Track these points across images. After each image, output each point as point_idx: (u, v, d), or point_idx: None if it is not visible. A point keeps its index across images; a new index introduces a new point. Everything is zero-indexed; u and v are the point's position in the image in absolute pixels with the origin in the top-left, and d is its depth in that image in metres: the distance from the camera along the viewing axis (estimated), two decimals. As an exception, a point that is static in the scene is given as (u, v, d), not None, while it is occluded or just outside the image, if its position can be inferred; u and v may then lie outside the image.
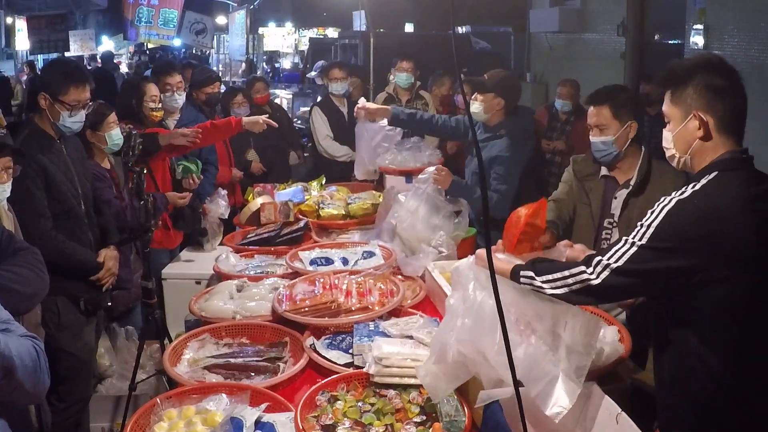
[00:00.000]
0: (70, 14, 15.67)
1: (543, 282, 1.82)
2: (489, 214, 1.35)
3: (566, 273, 1.79)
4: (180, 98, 4.42)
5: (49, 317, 2.92)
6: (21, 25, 15.08)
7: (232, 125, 3.99)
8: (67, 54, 11.99)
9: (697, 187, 1.74)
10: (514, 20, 11.02)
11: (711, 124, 1.79)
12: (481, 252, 1.93)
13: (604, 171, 2.91)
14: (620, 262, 1.73)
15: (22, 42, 14.39)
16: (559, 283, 1.80)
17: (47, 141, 2.97)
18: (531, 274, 1.84)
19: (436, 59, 6.68)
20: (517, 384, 1.41)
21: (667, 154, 1.93)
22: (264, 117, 4.07)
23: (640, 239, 1.72)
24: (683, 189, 1.76)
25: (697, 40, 6.42)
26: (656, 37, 7.69)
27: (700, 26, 6.38)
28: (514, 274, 1.88)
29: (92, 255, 3.09)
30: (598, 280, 1.74)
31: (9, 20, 16.41)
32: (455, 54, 1.45)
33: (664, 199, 1.75)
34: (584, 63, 8.39)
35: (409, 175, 4.76)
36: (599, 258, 1.77)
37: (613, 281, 1.73)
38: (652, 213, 1.75)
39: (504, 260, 1.94)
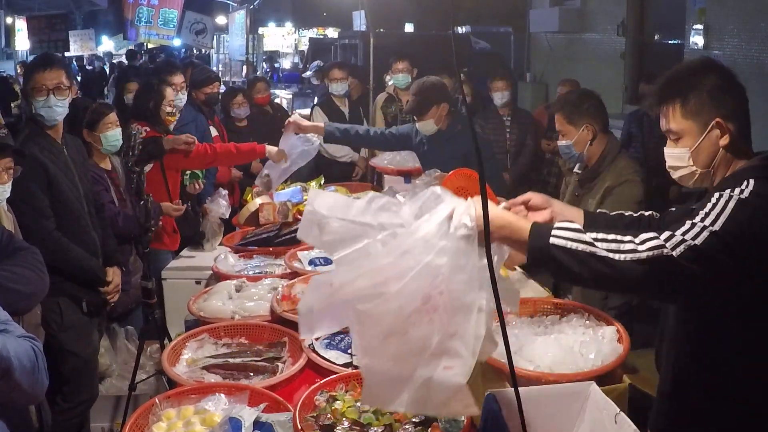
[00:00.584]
0: (70, 14, 15.69)
1: (593, 238, 1.47)
2: (488, 216, 1.33)
3: (629, 237, 1.47)
4: (183, 98, 4.44)
5: (52, 318, 2.92)
6: (21, 25, 15.05)
7: (255, 152, 4.08)
8: (67, 54, 12.00)
9: (750, 188, 1.57)
10: (514, 20, 11.03)
11: (734, 129, 1.67)
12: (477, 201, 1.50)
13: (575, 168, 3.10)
14: (698, 241, 1.47)
15: (22, 42, 14.38)
16: (623, 247, 1.46)
17: (47, 141, 2.96)
18: (577, 226, 1.51)
19: (436, 59, 6.68)
20: (516, 384, 1.41)
21: (678, 174, 1.75)
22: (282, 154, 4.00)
23: (711, 224, 1.50)
24: (739, 190, 1.58)
25: (697, 40, 6.42)
26: (656, 37, 7.69)
27: (700, 26, 6.38)
28: (539, 231, 1.50)
29: (97, 262, 3.08)
30: (676, 254, 1.45)
31: (9, 20, 16.39)
32: (455, 54, 1.44)
33: (724, 194, 1.57)
34: (584, 63, 8.39)
35: (407, 175, 4.76)
36: (668, 232, 1.49)
37: (689, 260, 1.45)
38: (716, 203, 1.55)
39: (511, 216, 1.58)
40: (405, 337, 1.47)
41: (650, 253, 1.45)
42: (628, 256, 1.45)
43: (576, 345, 2.17)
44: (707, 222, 1.51)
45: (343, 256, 1.54)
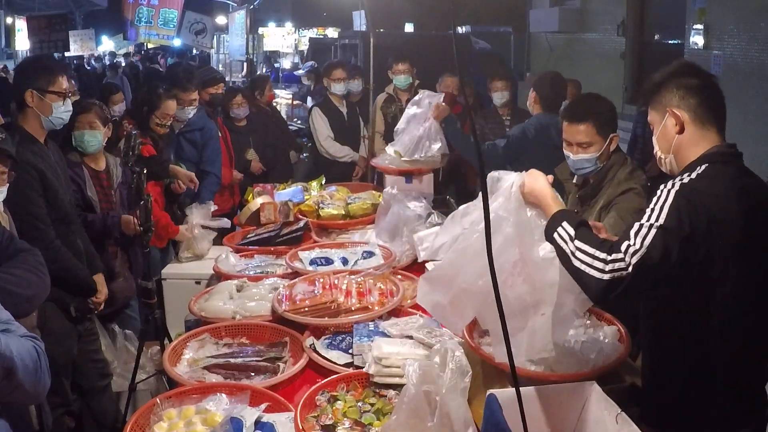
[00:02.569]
0: (70, 14, 15.69)
1: (577, 248, 1.72)
2: (489, 216, 1.34)
3: (605, 255, 1.67)
4: (191, 112, 4.44)
5: (37, 322, 2.90)
6: (21, 25, 15.08)
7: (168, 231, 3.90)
8: (67, 54, 12.00)
9: (693, 176, 1.79)
10: (514, 20, 11.04)
11: (685, 118, 1.85)
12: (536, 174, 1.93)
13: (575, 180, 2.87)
14: (645, 244, 1.66)
15: (22, 42, 14.40)
16: (595, 263, 1.68)
17: (38, 146, 2.93)
18: (572, 232, 1.75)
19: (436, 59, 6.68)
20: (517, 384, 1.41)
21: (657, 159, 1.98)
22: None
23: (656, 220, 1.69)
24: (679, 177, 1.80)
25: (697, 40, 6.43)
26: (656, 37, 7.70)
27: (700, 26, 6.39)
28: (555, 219, 1.80)
29: (89, 274, 3.08)
30: (631, 269, 1.65)
31: (9, 20, 16.42)
32: (456, 54, 1.45)
33: (668, 184, 1.77)
34: (584, 63, 8.40)
35: (408, 175, 4.77)
36: (626, 242, 1.68)
37: (643, 267, 1.65)
38: (658, 197, 1.74)
39: (551, 193, 1.88)
40: (507, 300, 1.76)
41: (612, 275, 1.66)
42: (595, 274, 1.67)
43: (577, 345, 2.17)
44: (652, 219, 1.70)
45: (446, 257, 2.00)
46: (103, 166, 3.48)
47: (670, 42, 7.35)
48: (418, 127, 4.09)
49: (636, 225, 1.71)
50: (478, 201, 1.90)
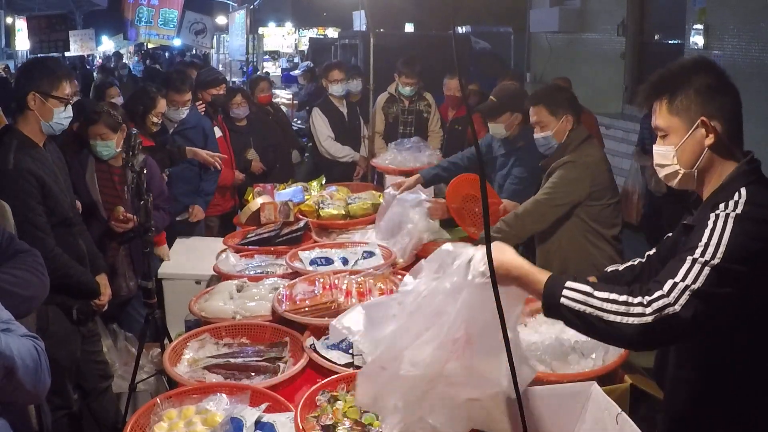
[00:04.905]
0: (70, 14, 15.68)
1: (602, 300, 1.49)
2: (489, 219, 1.34)
3: (640, 300, 1.47)
4: (184, 112, 4.50)
5: (39, 325, 2.89)
6: (21, 25, 15.08)
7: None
8: (67, 54, 11.99)
9: (743, 199, 1.57)
10: (514, 20, 11.03)
11: (719, 128, 1.64)
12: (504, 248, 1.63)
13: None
14: (698, 284, 1.46)
15: (22, 42, 14.40)
16: (632, 310, 1.46)
17: (36, 150, 2.89)
18: (588, 289, 1.51)
19: (436, 59, 6.68)
20: (516, 384, 1.41)
21: (663, 172, 1.73)
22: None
23: (711, 258, 1.49)
24: (734, 204, 1.57)
25: (697, 40, 6.43)
26: (656, 37, 7.70)
27: (700, 26, 6.39)
28: (553, 286, 1.54)
29: (91, 277, 3.07)
30: (678, 307, 1.44)
31: (9, 20, 16.43)
32: (456, 54, 1.45)
33: (720, 215, 1.55)
34: (584, 63, 8.40)
35: (408, 175, 4.77)
36: (671, 280, 1.48)
37: (696, 308, 1.44)
38: (713, 229, 1.53)
39: (526, 263, 1.61)
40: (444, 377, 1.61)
41: (657, 315, 1.45)
42: (636, 320, 1.46)
43: (577, 345, 2.17)
44: (708, 256, 1.49)
45: (381, 335, 1.71)
46: (120, 162, 3.49)
47: (670, 42, 7.34)
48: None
49: (688, 261, 1.51)
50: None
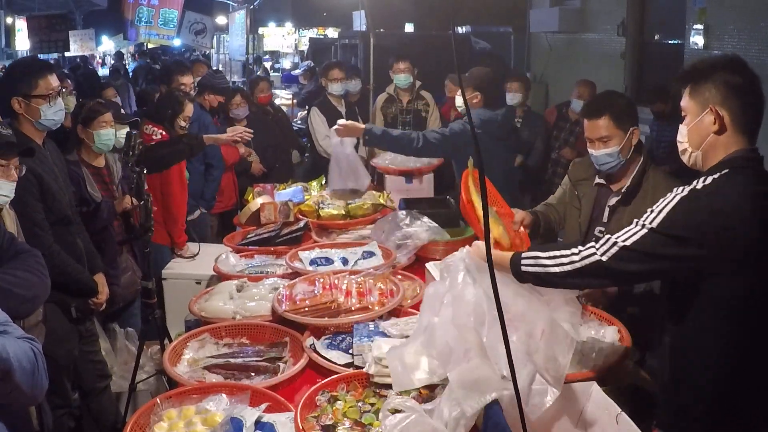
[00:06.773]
0: (70, 14, 15.67)
1: (548, 258, 1.84)
2: (488, 220, 1.35)
3: (574, 250, 1.83)
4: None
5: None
6: (21, 25, 15.05)
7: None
8: (67, 54, 12.00)
9: (708, 181, 1.77)
10: (514, 20, 11.00)
11: (726, 119, 1.81)
12: (478, 243, 1.98)
13: (598, 178, 2.80)
14: (628, 242, 1.75)
15: (22, 42, 14.36)
16: (565, 260, 1.82)
17: (36, 148, 2.91)
18: (536, 253, 1.88)
19: (436, 59, 6.68)
20: (516, 384, 1.41)
21: (680, 148, 1.94)
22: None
23: (650, 222, 1.74)
24: (695, 182, 1.78)
25: (697, 40, 6.41)
26: (656, 37, 7.68)
27: (700, 26, 6.38)
28: (515, 261, 1.90)
29: (89, 275, 3.08)
30: (605, 258, 1.76)
31: (9, 20, 16.41)
32: (455, 54, 1.45)
33: (678, 189, 1.78)
34: (584, 63, 8.38)
35: (409, 175, 4.76)
36: (608, 236, 1.79)
37: (620, 261, 1.75)
38: (665, 199, 1.77)
39: (499, 252, 1.98)
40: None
41: (583, 261, 1.80)
42: (568, 267, 1.82)
43: (577, 345, 2.17)
44: (647, 220, 1.76)
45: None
46: (103, 162, 3.50)
47: (670, 42, 7.33)
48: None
49: (634, 223, 1.79)
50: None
